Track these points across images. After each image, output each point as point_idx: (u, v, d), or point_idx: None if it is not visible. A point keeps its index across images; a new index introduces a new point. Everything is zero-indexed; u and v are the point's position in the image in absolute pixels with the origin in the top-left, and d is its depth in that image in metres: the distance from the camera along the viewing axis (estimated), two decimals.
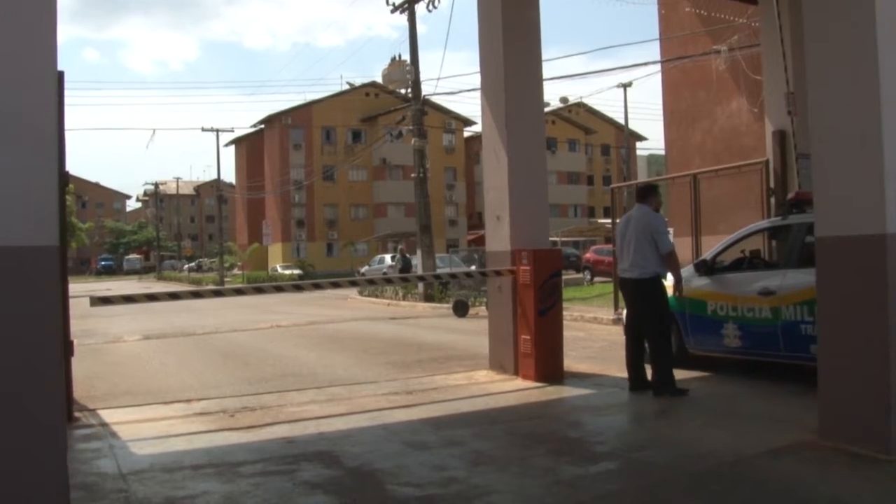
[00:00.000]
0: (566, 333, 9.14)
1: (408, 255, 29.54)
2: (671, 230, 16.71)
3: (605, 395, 7.66)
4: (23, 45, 3.59)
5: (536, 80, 9.20)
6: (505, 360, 8.87)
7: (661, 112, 22.04)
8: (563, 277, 9.90)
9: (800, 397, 6.71)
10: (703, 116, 18.30)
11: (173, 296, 9.26)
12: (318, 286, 9.41)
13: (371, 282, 16.27)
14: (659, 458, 5.24)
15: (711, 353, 8.49)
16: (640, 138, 74.34)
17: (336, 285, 12.28)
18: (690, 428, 6.27)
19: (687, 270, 8.47)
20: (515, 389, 8.07)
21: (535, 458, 5.36)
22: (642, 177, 58.96)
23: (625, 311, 8.41)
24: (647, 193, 7.92)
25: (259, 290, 9.38)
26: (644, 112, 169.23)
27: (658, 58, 20.97)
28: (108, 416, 7.11)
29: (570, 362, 9.04)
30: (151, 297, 8.25)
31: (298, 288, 9.51)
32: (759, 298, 7.78)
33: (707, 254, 8.94)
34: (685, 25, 18.32)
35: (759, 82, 12.51)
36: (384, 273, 37.26)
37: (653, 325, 7.58)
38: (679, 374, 7.60)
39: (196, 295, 9.12)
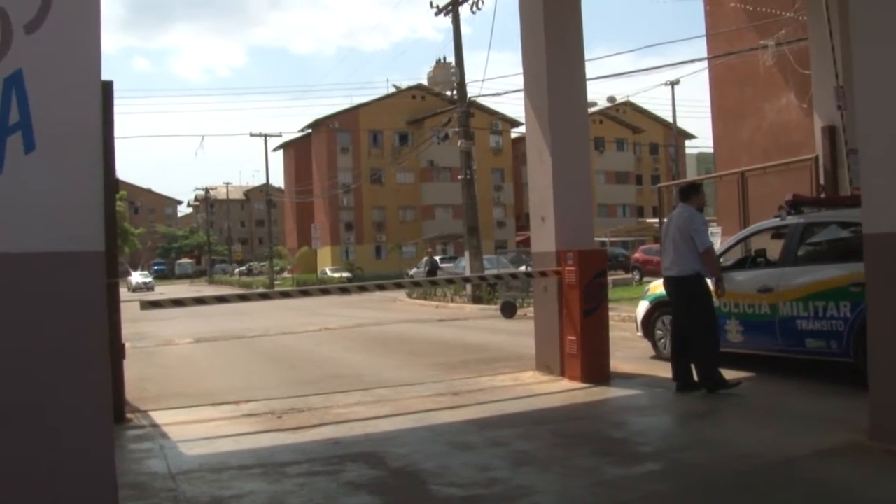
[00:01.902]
0: (613, 334, 9.07)
1: (436, 259, 30.58)
2: (719, 229, 16.53)
3: (650, 395, 7.59)
4: (67, 56, 3.69)
5: (579, 80, 9.15)
6: (551, 360, 8.84)
7: (708, 109, 21.75)
8: (612, 277, 9.95)
9: (848, 397, 6.57)
10: (751, 113, 18.00)
11: (220, 299, 9.40)
12: (363, 289, 9.40)
13: (417, 283, 16.28)
14: (703, 459, 5.18)
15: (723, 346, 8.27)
16: (689, 136, 73.45)
17: (382, 288, 12.33)
18: (736, 428, 6.18)
19: None
20: (561, 390, 8.03)
21: (579, 459, 5.33)
22: (691, 175, 58.24)
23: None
24: (690, 193, 7.89)
25: (305, 294, 9.42)
26: (692, 110, 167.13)
27: (705, 54, 20.69)
28: (158, 417, 7.25)
29: (616, 363, 8.97)
30: (199, 301, 8.40)
31: (345, 290, 9.48)
32: (758, 295, 8.17)
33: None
34: (731, 21, 18.03)
35: (807, 77, 12.27)
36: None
37: (694, 322, 7.56)
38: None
39: (243, 298, 9.24)
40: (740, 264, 9.04)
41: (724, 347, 8.23)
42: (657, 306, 9.57)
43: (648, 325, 9.81)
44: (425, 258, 33.24)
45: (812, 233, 8.24)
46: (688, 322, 7.64)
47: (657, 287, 9.55)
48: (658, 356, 9.57)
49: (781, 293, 7.92)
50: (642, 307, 10.04)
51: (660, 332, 9.64)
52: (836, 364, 7.50)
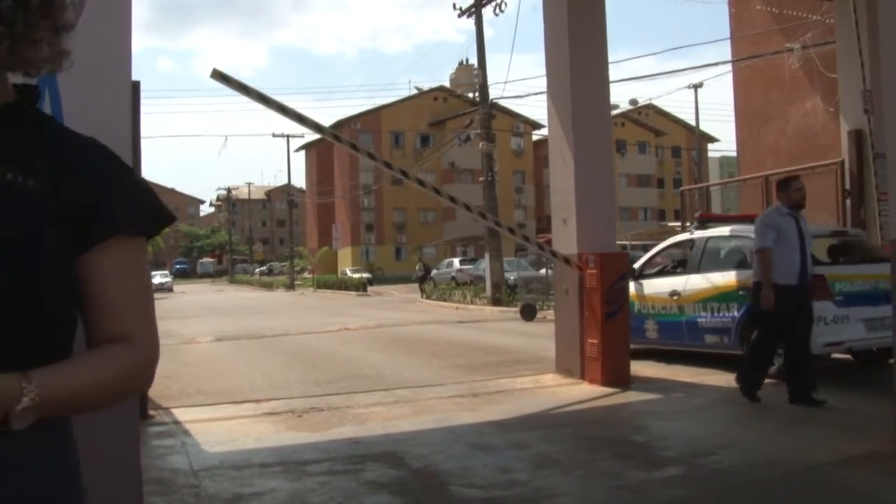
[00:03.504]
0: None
1: (428, 265, 33.13)
2: None
3: (671, 400, 7.56)
4: (99, 56, 3.73)
5: (602, 82, 9.14)
6: (571, 363, 8.82)
7: (732, 113, 21.62)
8: None
9: (874, 404, 6.50)
10: (776, 116, 17.87)
11: None
12: None
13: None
14: (726, 465, 5.15)
15: (640, 345, 9.79)
16: (712, 140, 72.97)
17: None
18: (759, 434, 6.14)
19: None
20: (581, 393, 8.01)
21: (600, 462, 5.32)
22: (714, 179, 57.88)
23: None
24: (780, 187, 7.27)
25: None
26: (715, 113, 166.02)
27: (729, 57, 20.57)
28: (181, 414, 7.32)
29: (638, 367, 8.94)
30: None
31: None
32: (669, 299, 9.63)
33: (636, 264, 10.71)
34: (757, 24, 17.92)
35: (834, 80, 12.17)
36: (452, 277, 37.63)
37: (758, 329, 7.34)
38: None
39: None
40: (661, 272, 10.35)
41: (643, 345, 9.92)
42: None
43: None
44: (419, 264, 34.60)
45: (712, 245, 9.62)
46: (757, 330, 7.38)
47: None
48: None
49: (686, 297, 9.35)
50: None
51: None
52: (729, 357, 8.63)
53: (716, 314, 8.99)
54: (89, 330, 1.23)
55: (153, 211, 1.29)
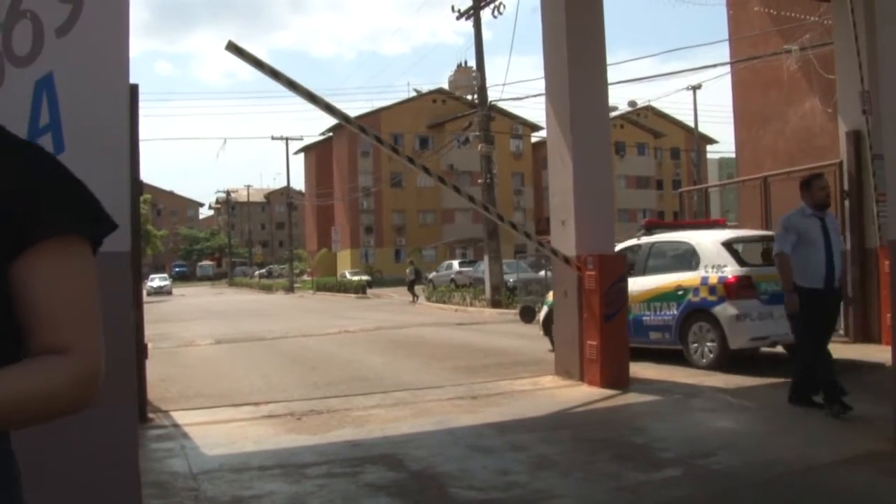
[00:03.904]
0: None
1: (419, 269, 33.51)
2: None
3: (670, 401, 7.55)
4: (97, 59, 3.74)
5: (601, 83, 9.14)
6: (570, 365, 8.82)
7: (731, 114, 21.63)
8: None
9: (873, 405, 6.50)
10: (775, 118, 17.87)
11: None
12: None
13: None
14: (725, 466, 5.15)
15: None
16: (711, 141, 72.98)
17: None
18: (759, 435, 6.15)
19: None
20: (580, 395, 8.01)
21: (599, 464, 5.32)
22: (713, 180, 57.90)
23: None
24: (802, 187, 6.94)
25: None
26: (714, 114, 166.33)
27: (727, 58, 20.59)
28: (180, 417, 7.31)
29: (637, 368, 8.94)
30: None
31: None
32: None
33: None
34: (755, 25, 17.93)
35: (832, 81, 12.18)
36: (451, 279, 37.69)
37: (797, 338, 6.91)
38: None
39: None
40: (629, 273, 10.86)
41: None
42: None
43: (548, 326, 11.25)
44: (408, 268, 35.02)
45: (655, 250, 10.58)
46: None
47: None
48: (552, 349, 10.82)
49: (633, 297, 9.55)
50: (543, 310, 12.13)
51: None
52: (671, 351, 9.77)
53: (658, 313, 9.97)
54: (26, 341, 1.14)
55: (91, 214, 1.22)
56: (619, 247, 10.95)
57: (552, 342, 10.68)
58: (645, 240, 10.96)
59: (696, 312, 9.54)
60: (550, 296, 11.38)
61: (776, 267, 6.80)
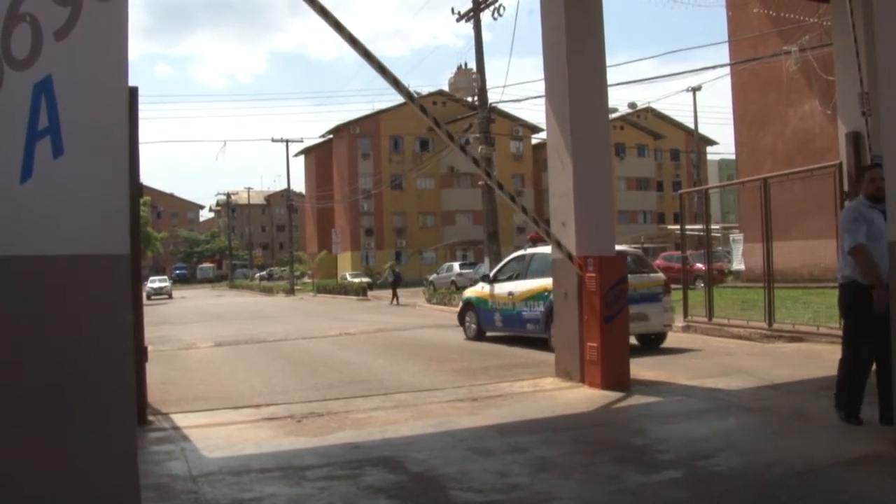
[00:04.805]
0: (634, 341, 9.04)
1: (397, 271, 34.44)
2: (741, 236, 16.42)
3: (670, 403, 7.55)
4: (95, 63, 3.74)
5: (601, 85, 9.15)
6: (571, 367, 8.82)
7: (731, 115, 21.66)
8: None
9: (875, 407, 6.49)
10: (774, 119, 17.91)
11: None
12: None
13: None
14: (725, 467, 5.14)
15: (492, 332, 14.32)
16: (711, 143, 73.01)
17: None
18: (759, 437, 6.15)
19: (481, 282, 15.04)
20: (581, 397, 8.01)
21: (599, 466, 5.32)
22: (713, 182, 57.90)
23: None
24: (858, 178, 6.50)
25: None
26: (714, 116, 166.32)
27: (727, 60, 20.61)
28: (180, 419, 7.31)
29: (637, 370, 8.94)
30: None
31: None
32: (507, 297, 13.52)
33: (490, 271, 15.30)
34: (754, 27, 17.96)
35: (831, 83, 12.17)
36: (452, 281, 37.69)
37: (846, 340, 6.29)
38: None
39: None
40: (508, 278, 13.93)
41: (494, 331, 14.26)
42: (466, 306, 15.24)
43: (462, 317, 15.41)
44: (387, 270, 35.48)
45: (534, 259, 13.31)
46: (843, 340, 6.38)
47: (470, 292, 15.47)
48: (466, 338, 14.81)
49: (517, 296, 13.18)
50: (460, 304, 15.75)
51: (468, 323, 15.06)
52: (538, 339, 12.43)
53: (532, 309, 12.79)
54: None
55: None
56: (511, 256, 14.79)
57: (464, 331, 15.09)
58: (529, 251, 14.12)
59: None
60: (467, 291, 15.81)
61: (857, 262, 5.96)
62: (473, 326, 14.82)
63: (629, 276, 10.28)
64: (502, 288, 13.74)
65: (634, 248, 11.96)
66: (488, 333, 14.39)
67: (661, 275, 13.05)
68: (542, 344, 12.04)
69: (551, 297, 10.80)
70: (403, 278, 35.17)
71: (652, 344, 12.16)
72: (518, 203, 9.17)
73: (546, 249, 12.24)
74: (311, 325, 20.63)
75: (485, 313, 14.35)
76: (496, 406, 7.67)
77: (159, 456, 5.91)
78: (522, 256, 14.02)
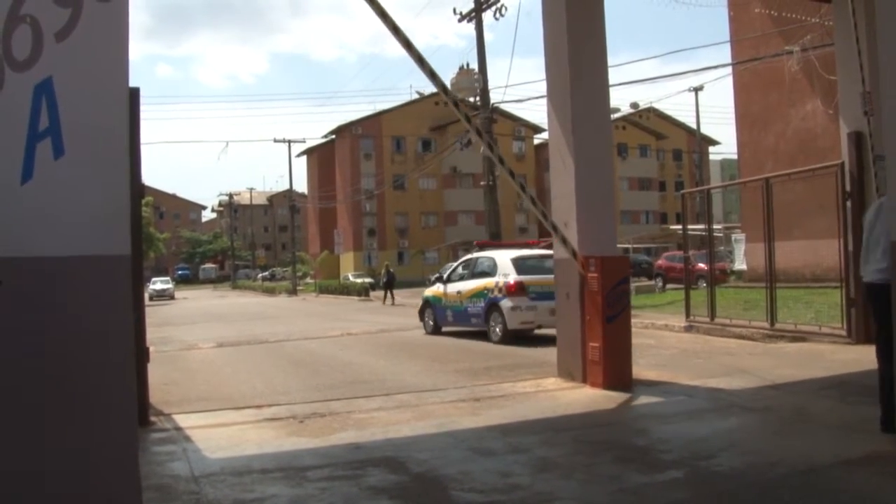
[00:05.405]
0: (636, 341, 9.05)
1: (392, 271, 34.78)
2: (743, 236, 16.40)
3: (673, 403, 7.54)
4: (96, 64, 3.74)
5: (602, 85, 9.14)
6: (573, 367, 8.81)
7: (733, 115, 21.63)
8: (635, 284, 10.10)
9: (875, 406, 6.48)
10: (776, 119, 17.89)
11: None
12: None
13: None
14: (727, 467, 5.14)
15: (446, 327, 16.11)
16: (713, 142, 73.00)
17: None
18: (761, 437, 6.14)
19: (437, 283, 16.81)
20: (583, 397, 8.00)
21: (601, 466, 5.31)
22: (715, 181, 57.84)
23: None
24: (860, 177, 6.14)
25: None
26: (716, 116, 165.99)
27: (729, 60, 20.59)
28: (182, 420, 7.31)
29: (640, 370, 8.93)
30: None
31: None
32: (457, 295, 15.50)
33: (443, 271, 17.44)
34: (756, 27, 17.94)
35: (833, 82, 12.16)
36: None
37: (885, 350, 5.65)
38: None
39: None
40: (459, 278, 15.87)
41: (447, 326, 16.08)
42: (425, 304, 17.00)
43: (421, 314, 17.27)
44: (383, 270, 36.02)
45: (478, 262, 15.60)
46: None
47: (429, 291, 17.07)
48: (425, 333, 16.58)
49: (463, 294, 15.24)
50: (422, 302, 17.44)
51: (426, 319, 16.87)
52: (481, 332, 14.56)
53: (475, 305, 14.85)
54: None
55: None
56: (461, 259, 17.13)
57: (424, 326, 16.93)
58: (475, 255, 16.39)
59: (493, 305, 14.27)
60: (426, 291, 17.40)
61: None
62: (431, 322, 16.67)
63: (534, 276, 13.87)
64: (453, 287, 15.74)
65: (637, 247, 12.10)
66: (444, 328, 16.32)
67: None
68: (483, 336, 14.48)
69: (489, 294, 14.30)
70: (397, 278, 35.51)
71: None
72: (527, 194, 9.13)
73: (486, 253, 15.94)
74: (314, 325, 20.64)
75: (439, 310, 16.27)
76: (498, 406, 7.66)
77: (161, 457, 5.91)
78: (469, 260, 16.31)
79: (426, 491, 4.91)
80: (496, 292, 14.12)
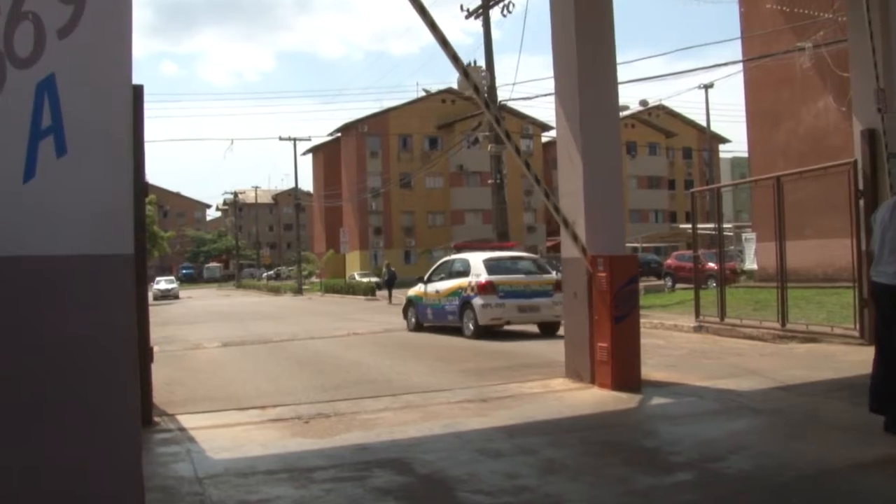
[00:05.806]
0: (645, 341, 8.98)
1: (393, 269, 35.36)
2: (754, 234, 16.30)
3: (682, 404, 7.47)
4: (99, 61, 3.70)
5: (611, 83, 9.06)
6: (581, 367, 8.74)
7: (743, 113, 21.51)
8: (644, 284, 10.06)
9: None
10: (788, 116, 17.76)
11: None
12: None
13: None
14: (737, 470, 5.07)
15: (428, 324, 16.97)
16: (723, 140, 72.75)
17: None
18: (771, 439, 6.06)
19: (419, 283, 17.55)
20: (591, 398, 7.94)
21: (609, 468, 5.25)
22: (725, 180, 57.65)
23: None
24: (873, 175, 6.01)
25: None
26: (726, 113, 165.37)
27: (740, 57, 20.48)
28: (186, 421, 7.27)
29: (649, 370, 8.86)
30: None
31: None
32: (435, 294, 16.53)
33: (427, 274, 17.65)
34: (767, 23, 17.82)
35: (846, 79, 12.04)
36: None
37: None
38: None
39: None
40: (440, 278, 16.76)
41: (428, 323, 16.95)
42: (409, 303, 18.02)
43: (405, 312, 18.25)
44: (384, 269, 36.17)
45: (455, 263, 16.82)
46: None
47: (412, 291, 17.93)
48: (407, 330, 17.51)
49: (441, 293, 16.26)
50: (405, 302, 18.51)
51: (409, 317, 17.79)
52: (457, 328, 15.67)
53: (451, 303, 15.86)
54: None
55: None
56: (442, 261, 18.11)
57: (407, 323, 17.88)
58: (452, 256, 18.00)
59: (466, 302, 15.35)
60: (410, 291, 18.32)
61: None
62: (413, 320, 17.61)
63: (528, 276, 15.56)
64: (433, 287, 16.80)
65: (643, 246, 12.20)
66: (425, 325, 17.26)
67: (553, 275, 15.72)
68: (457, 331, 15.65)
69: (463, 292, 15.42)
70: (398, 277, 35.45)
71: (549, 331, 15.08)
72: (542, 187, 9.05)
73: (462, 255, 17.71)
74: (319, 325, 20.62)
75: (421, 308, 17.33)
76: (505, 407, 7.60)
77: (165, 457, 5.87)
78: (446, 262, 17.61)
79: (433, 492, 4.86)
80: (469, 291, 15.27)
